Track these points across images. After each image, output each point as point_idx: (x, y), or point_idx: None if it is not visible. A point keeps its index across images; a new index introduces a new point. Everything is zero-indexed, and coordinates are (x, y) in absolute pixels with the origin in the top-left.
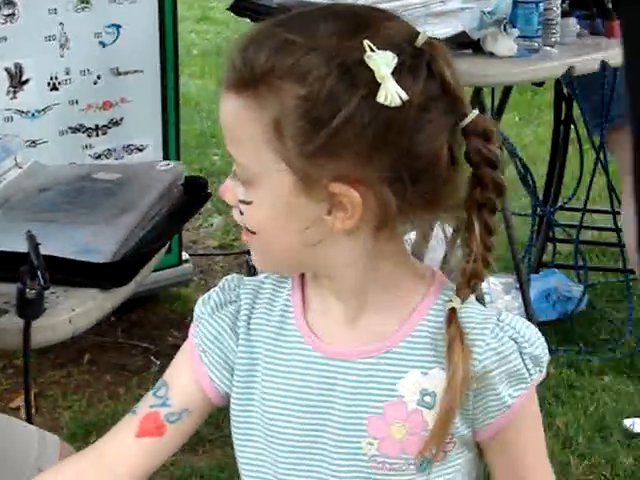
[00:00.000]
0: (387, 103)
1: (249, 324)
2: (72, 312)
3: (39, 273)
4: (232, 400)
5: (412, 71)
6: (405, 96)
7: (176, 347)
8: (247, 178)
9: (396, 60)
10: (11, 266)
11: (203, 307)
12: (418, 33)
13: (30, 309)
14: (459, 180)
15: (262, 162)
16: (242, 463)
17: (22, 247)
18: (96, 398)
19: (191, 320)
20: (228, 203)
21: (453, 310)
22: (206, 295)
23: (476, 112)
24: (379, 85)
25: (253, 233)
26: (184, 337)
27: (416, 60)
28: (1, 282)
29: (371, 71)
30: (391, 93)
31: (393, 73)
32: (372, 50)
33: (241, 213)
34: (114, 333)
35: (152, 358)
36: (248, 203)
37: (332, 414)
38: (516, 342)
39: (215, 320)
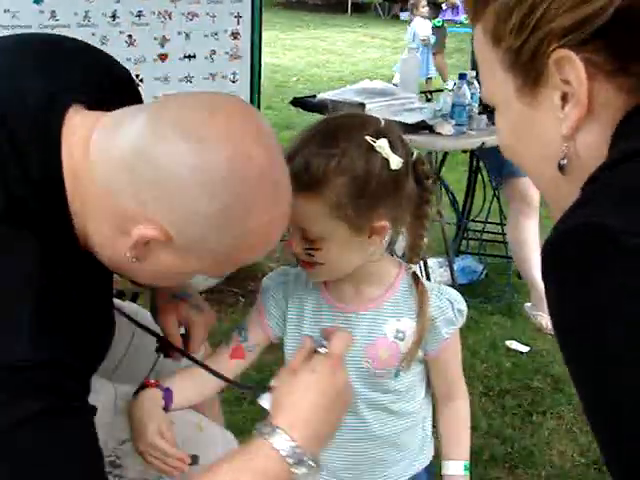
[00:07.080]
0: (396, 168)
1: (294, 295)
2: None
3: None
4: (287, 338)
5: (394, 146)
6: (402, 160)
7: (252, 292)
8: (318, 237)
9: (387, 142)
10: None
11: (268, 282)
12: (384, 122)
13: None
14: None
15: (329, 226)
16: None
17: None
18: None
19: (260, 277)
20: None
21: (415, 274)
22: (269, 275)
23: (417, 152)
24: (387, 160)
25: (321, 264)
26: (257, 285)
27: (392, 138)
28: None
29: (378, 152)
30: (397, 161)
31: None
32: (374, 141)
33: (311, 255)
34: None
35: (239, 297)
36: (317, 249)
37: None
38: (450, 302)
39: (274, 292)
